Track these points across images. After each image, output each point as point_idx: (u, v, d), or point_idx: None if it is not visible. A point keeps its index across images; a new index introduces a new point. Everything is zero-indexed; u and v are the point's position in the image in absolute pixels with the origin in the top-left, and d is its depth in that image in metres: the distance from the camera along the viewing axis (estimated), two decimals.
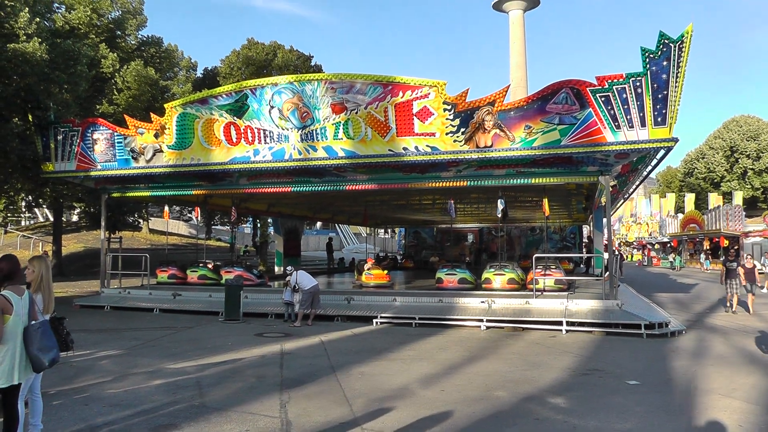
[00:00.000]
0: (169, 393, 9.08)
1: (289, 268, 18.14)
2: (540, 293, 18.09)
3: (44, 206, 42.71)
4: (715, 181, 73.19)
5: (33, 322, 5.88)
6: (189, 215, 56.85)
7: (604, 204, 19.47)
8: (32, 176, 24.05)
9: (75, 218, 51.57)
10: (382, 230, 52.74)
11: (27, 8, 20.88)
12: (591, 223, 32.12)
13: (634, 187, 22.54)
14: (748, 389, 9.49)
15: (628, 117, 14.70)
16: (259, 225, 43.92)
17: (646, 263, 64.75)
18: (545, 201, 19.81)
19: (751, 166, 70.66)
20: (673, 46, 14.04)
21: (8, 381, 5.68)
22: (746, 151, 70.88)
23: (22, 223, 55.49)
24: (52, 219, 37.80)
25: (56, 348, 6.08)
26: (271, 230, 40.63)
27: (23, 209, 48.66)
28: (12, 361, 5.70)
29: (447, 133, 16.31)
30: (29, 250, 37.78)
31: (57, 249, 33.48)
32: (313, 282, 17.15)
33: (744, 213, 50.59)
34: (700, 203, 68.04)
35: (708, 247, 51.60)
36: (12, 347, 5.71)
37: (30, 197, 34.04)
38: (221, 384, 9.71)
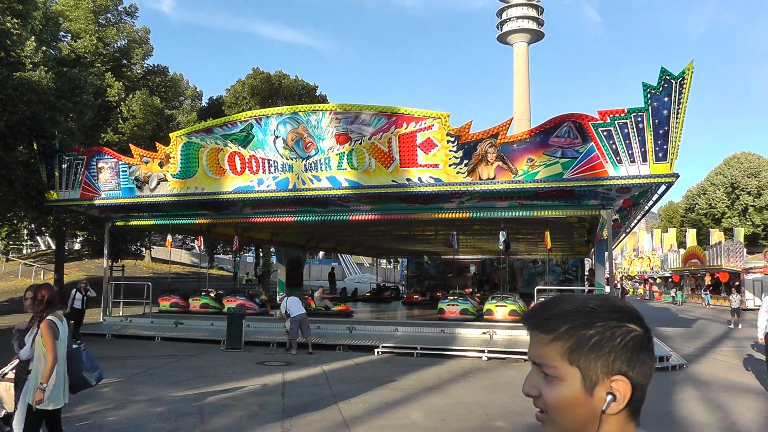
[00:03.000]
0: (170, 420, 9.09)
1: (280, 294, 17.98)
2: None
3: (46, 234, 42.75)
4: (716, 217, 73.09)
5: (75, 345, 6.18)
6: (192, 244, 56.86)
7: (605, 237, 19.50)
8: (36, 204, 24.11)
9: (77, 246, 51.59)
10: (385, 260, 52.67)
11: (33, 37, 21.04)
12: (593, 257, 32.07)
13: (635, 221, 22.62)
14: (747, 423, 9.49)
15: (630, 152, 14.80)
16: (261, 254, 43.95)
17: (648, 297, 64.51)
18: (547, 234, 19.86)
19: (751, 203, 70.62)
20: (674, 82, 14.20)
21: (60, 402, 5.95)
22: (747, 188, 70.90)
23: (24, 251, 55.46)
24: (54, 247, 37.86)
25: (99, 369, 6.46)
26: (273, 259, 40.66)
27: (25, 237, 48.70)
28: (62, 384, 5.96)
29: (450, 165, 16.41)
30: (30, 278, 37.77)
31: (59, 277, 33.45)
32: (300, 310, 16.95)
33: (745, 249, 50.49)
34: (702, 239, 67.94)
35: (709, 283, 51.45)
36: (61, 370, 5.95)
37: (33, 225, 34.09)
38: (223, 412, 9.71)
